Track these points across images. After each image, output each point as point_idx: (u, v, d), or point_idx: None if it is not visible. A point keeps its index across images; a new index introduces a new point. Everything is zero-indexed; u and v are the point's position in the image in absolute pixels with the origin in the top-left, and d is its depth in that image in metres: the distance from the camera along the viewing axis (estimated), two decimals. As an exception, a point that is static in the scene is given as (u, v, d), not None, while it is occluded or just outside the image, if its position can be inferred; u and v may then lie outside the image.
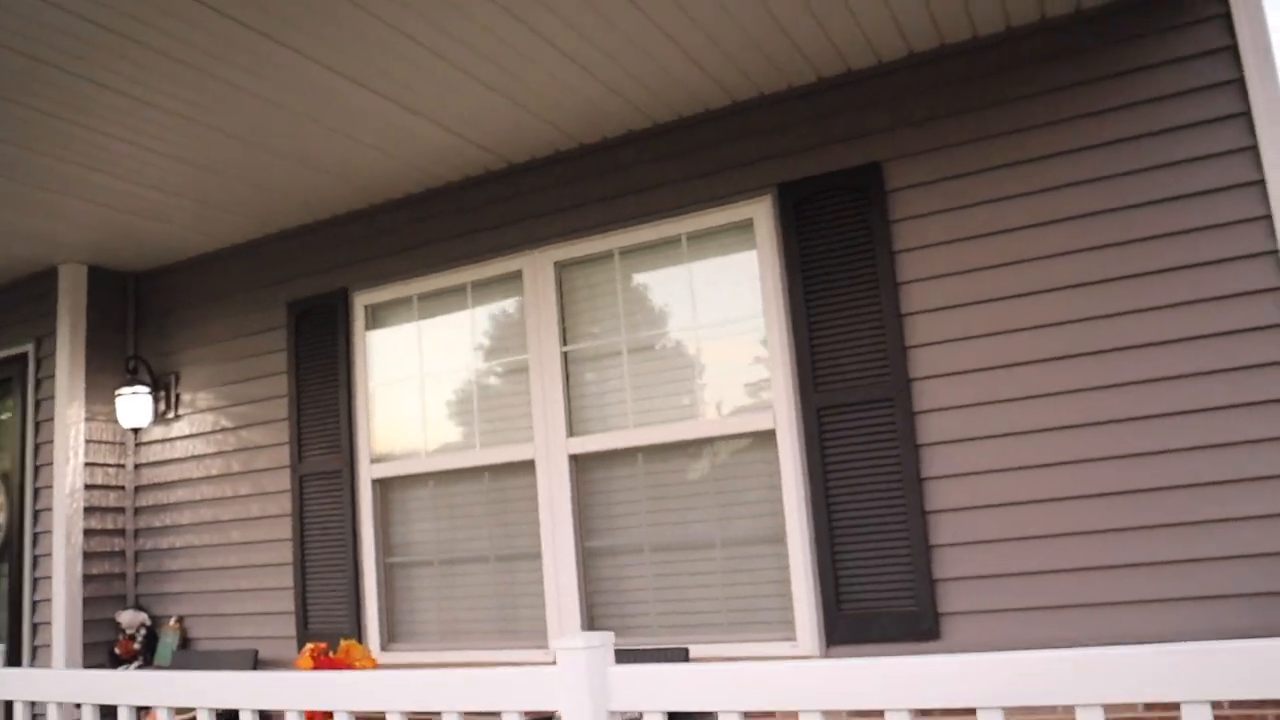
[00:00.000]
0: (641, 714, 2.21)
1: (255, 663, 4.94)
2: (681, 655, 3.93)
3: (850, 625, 3.86)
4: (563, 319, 4.60)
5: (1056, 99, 3.79)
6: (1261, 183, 3.49)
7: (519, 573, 4.62)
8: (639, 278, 4.50)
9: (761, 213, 4.21)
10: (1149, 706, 3.26)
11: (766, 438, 4.13)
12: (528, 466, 4.61)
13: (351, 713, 2.48)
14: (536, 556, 4.54)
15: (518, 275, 4.71)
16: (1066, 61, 3.79)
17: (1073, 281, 3.71)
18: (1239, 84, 3.54)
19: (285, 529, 5.13)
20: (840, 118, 4.11)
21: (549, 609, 4.45)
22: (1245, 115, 3.52)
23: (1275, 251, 3.46)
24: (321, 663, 4.30)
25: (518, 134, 4.41)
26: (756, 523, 4.16)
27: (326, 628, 4.91)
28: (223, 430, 5.42)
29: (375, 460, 4.97)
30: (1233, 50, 3.56)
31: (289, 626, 5.05)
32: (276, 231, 5.35)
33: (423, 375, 4.96)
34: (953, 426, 3.81)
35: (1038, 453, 3.70)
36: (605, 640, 2.22)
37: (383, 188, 4.88)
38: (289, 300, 5.25)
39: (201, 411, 5.52)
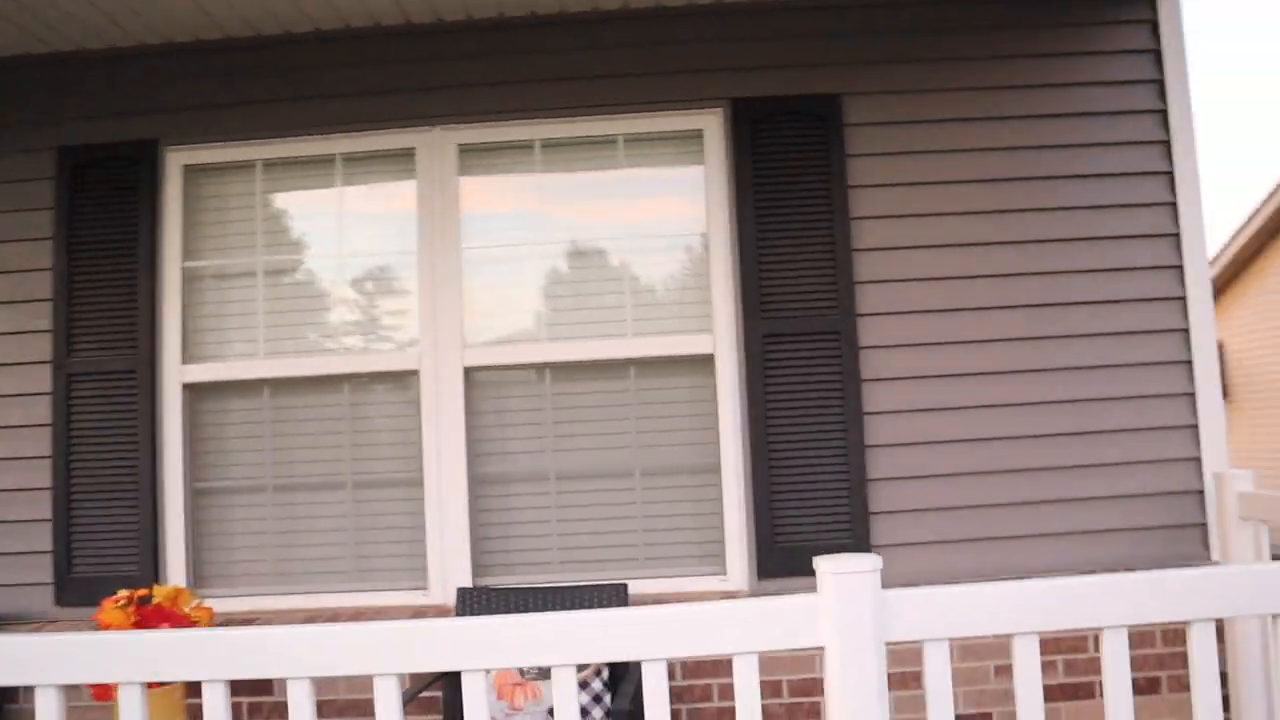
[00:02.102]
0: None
1: (-9, 616, 3.74)
2: (620, 592, 3.61)
3: (783, 558, 3.79)
4: (460, 212, 3.98)
5: (1008, 66, 3.97)
6: (1170, 173, 3.95)
7: (387, 502, 3.94)
8: (565, 177, 4.02)
9: (713, 125, 3.95)
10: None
11: (704, 362, 3.90)
12: (406, 378, 3.95)
13: (488, 670, 1.95)
14: (413, 483, 3.91)
15: (409, 154, 3.98)
16: (1020, 31, 3.98)
17: (1011, 238, 3.93)
18: (1159, 85, 3.96)
19: (38, 444, 3.90)
20: (804, 42, 3.97)
21: (430, 544, 3.85)
22: (1162, 112, 3.95)
23: (1177, 234, 3.94)
24: (147, 616, 3.40)
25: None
26: (686, 451, 3.92)
27: (101, 571, 3.83)
28: (-66, 308, 4.00)
29: (189, 361, 3.97)
30: (1156, 54, 3.97)
31: (40, 571, 3.86)
32: (51, 51, 4.01)
33: (262, 260, 4.03)
34: (894, 364, 3.88)
35: (970, 394, 3.88)
36: (878, 563, 1.96)
37: (229, 19, 3.85)
38: (63, 145, 3.97)
39: (-104, 281, 4.02)
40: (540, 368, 3.96)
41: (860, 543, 3.78)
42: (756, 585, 3.78)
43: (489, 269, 3.99)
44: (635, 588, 3.77)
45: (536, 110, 3.97)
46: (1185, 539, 3.85)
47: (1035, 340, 3.90)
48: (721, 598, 3.74)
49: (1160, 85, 3.95)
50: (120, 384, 3.90)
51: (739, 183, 3.90)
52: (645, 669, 1.95)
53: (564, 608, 3.60)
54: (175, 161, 4.00)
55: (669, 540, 3.92)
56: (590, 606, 3.59)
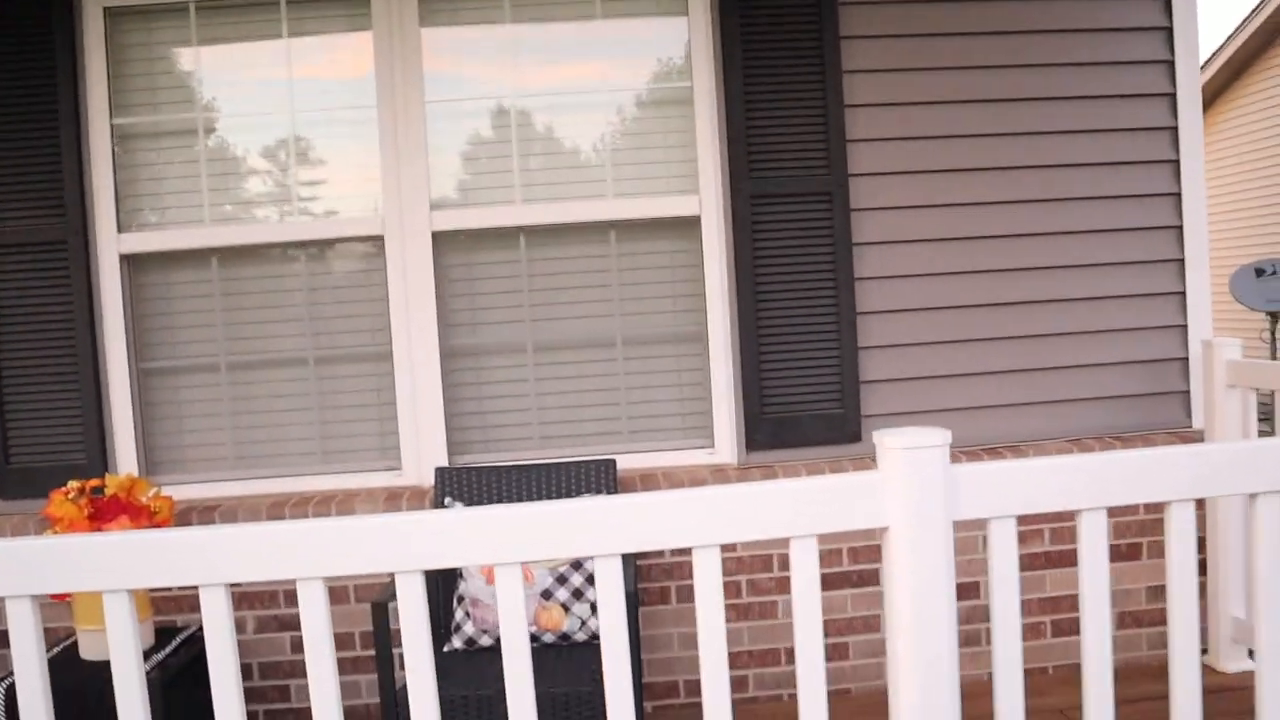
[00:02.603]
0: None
1: (-76, 509, 3.44)
2: (608, 468, 3.47)
3: (772, 429, 3.67)
4: (423, 65, 3.63)
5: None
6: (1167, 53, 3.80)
7: (354, 378, 3.70)
8: (538, 28, 3.67)
9: (696, -33, 3.64)
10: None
11: (689, 225, 3.69)
12: (370, 244, 3.66)
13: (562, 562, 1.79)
14: (382, 358, 3.67)
15: (364, 0, 3.60)
16: None
17: (1008, 95, 3.73)
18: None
19: (-43, 322, 3.55)
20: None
21: (402, 421, 3.64)
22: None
23: (1173, 94, 3.80)
24: (102, 507, 3.15)
25: None
26: (671, 319, 3.74)
27: (45, 461, 3.54)
28: None
29: (126, 229, 3.60)
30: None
31: (-27, 459, 3.58)
32: None
33: (202, 117, 3.64)
34: (887, 227, 3.72)
35: (961, 260, 3.76)
36: (947, 437, 1.83)
37: None
38: (-41, -16, 3.49)
39: None
40: (515, 231, 3.70)
41: (850, 413, 3.68)
42: (745, 458, 3.68)
43: (456, 126, 3.66)
44: (622, 462, 3.63)
45: (504, -52, 3.61)
46: (1168, 406, 3.84)
47: (1027, 204, 3.76)
48: (710, 471, 3.63)
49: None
50: (49, 256, 3.53)
51: (725, 33, 3.61)
52: (697, 556, 1.81)
53: (550, 485, 3.46)
54: (94, 2, 3.55)
55: (654, 413, 3.77)
56: (577, 483, 3.45)
